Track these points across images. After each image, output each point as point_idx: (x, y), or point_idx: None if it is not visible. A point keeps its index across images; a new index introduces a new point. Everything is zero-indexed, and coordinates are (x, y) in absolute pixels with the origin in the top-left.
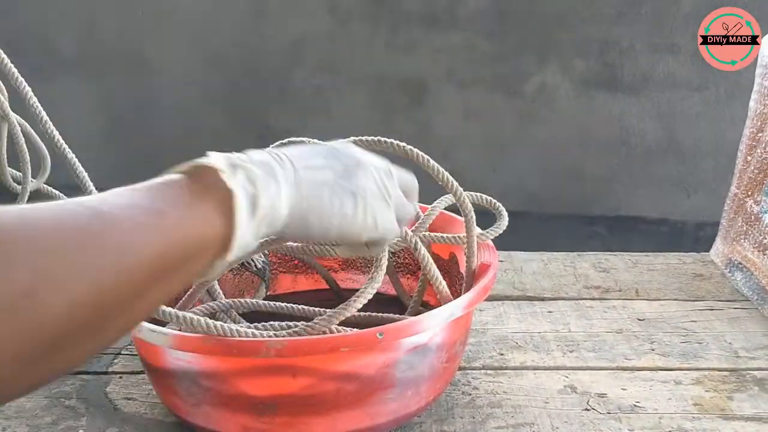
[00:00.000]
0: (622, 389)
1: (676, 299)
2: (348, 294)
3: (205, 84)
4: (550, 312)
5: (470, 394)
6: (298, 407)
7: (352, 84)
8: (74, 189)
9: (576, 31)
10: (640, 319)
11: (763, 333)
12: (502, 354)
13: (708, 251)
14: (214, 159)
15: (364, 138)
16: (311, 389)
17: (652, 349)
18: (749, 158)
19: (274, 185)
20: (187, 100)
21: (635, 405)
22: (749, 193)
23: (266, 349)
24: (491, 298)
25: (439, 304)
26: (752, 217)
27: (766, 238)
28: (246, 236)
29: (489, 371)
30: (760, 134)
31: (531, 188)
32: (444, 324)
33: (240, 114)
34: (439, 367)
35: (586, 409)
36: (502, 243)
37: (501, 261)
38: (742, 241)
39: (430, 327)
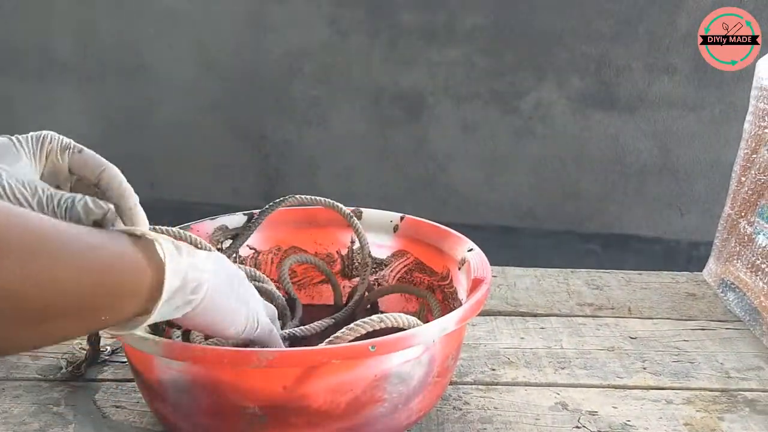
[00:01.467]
0: (613, 407)
1: (668, 318)
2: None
3: (203, 93)
4: (542, 328)
5: (461, 410)
6: (288, 418)
7: (350, 96)
8: None
9: (573, 49)
10: (632, 338)
11: (755, 354)
12: (493, 369)
13: (701, 271)
14: (159, 236)
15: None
16: (302, 401)
17: (644, 368)
18: (743, 179)
19: (197, 276)
20: (185, 108)
21: (626, 424)
22: (743, 213)
23: (258, 359)
24: (484, 313)
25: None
26: (745, 237)
27: (758, 259)
28: (167, 302)
29: (480, 387)
30: (754, 156)
31: (526, 204)
32: (436, 338)
33: (237, 123)
34: (431, 382)
35: (577, 427)
36: (496, 258)
37: (494, 276)
38: (735, 261)
39: (423, 341)
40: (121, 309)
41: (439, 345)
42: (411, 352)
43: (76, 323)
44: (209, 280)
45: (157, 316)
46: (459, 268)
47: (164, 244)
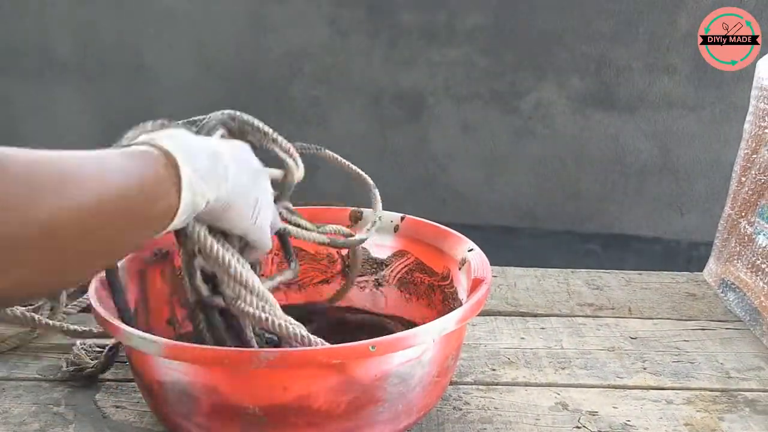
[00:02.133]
0: (614, 407)
1: (668, 318)
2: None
3: (203, 93)
4: (542, 328)
5: (461, 410)
6: (288, 419)
7: (350, 96)
8: None
9: (573, 49)
10: (632, 338)
11: (755, 354)
12: (494, 370)
13: (701, 271)
14: (171, 145)
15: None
16: (302, 401)
17: (644, 368)
18: (743, 179)
19: (215, 178)
20: (185, 108)
21: (626, 424)
22: (743, 214)
23: (258, 360)
24: (484, 314)
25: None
26: (746, 238)
27: (759, 260)
28: (189, 194)
29: (480, 387)
30: (754, 156)
31: (526, 204)
32: (437, 338)
33: None
34: (430, 382)
35: (577, 427)
36: (496, 258)
37: (495, 276)
38: (736, 261)
39: (423, 341)
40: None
41: (439, 345)
42: (411, 352)
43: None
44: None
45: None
46: (459, 268)
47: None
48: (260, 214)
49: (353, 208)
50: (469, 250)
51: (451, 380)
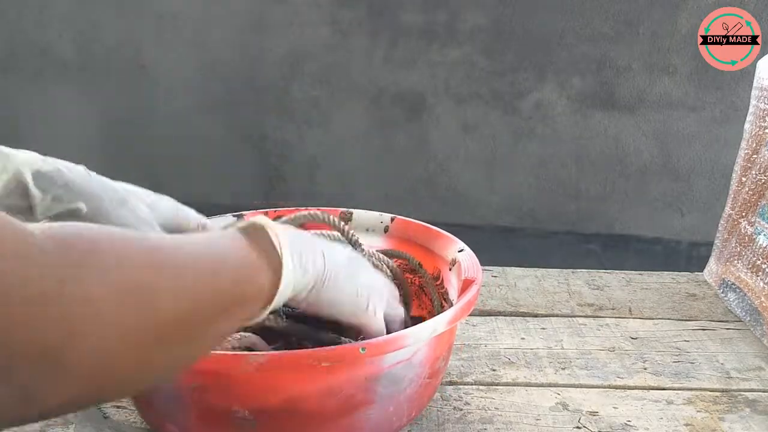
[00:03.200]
0: (614, 408)
1: (669, 318)
2: None
3: (204, 93)
4: (543, 328)
5: (461, 410)
6: (278, 422)
7: (350, 97)
8: None
9: (574, 49)
10: (632, 338)
11: (756, 354)
12: (494, 370)
13: (701, 271)
14: (271, 223)
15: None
16: (292, 404)
17: (645, 368)
18: (744, 179)
19: (312, 259)
20: (185, 108)
21: (626, 424)
22: (743, 214)
23: (246, 362)
24: (485, 314)
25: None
26: (746, 238)
27: (759, 260)
28: (286, 291)
29: (481, 387)
30: (755, 156)
31: (526, 205)
32: (427, 339)
33: (237, 124)
34: (421, 383)
35: (578, 427)
36: (497, 258)
37: (495, 276)
38: (736, 262)
39: (414, 342)
40: (242, 309)
41: (430, 346)
42: (401, 354)
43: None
44: (326, 268)
45: (276, 304)
46: (450, 269)
47: (281, 237)
48: (369, 301)
49: (343, 209)
50: (459, 251)
51: (451, 380)
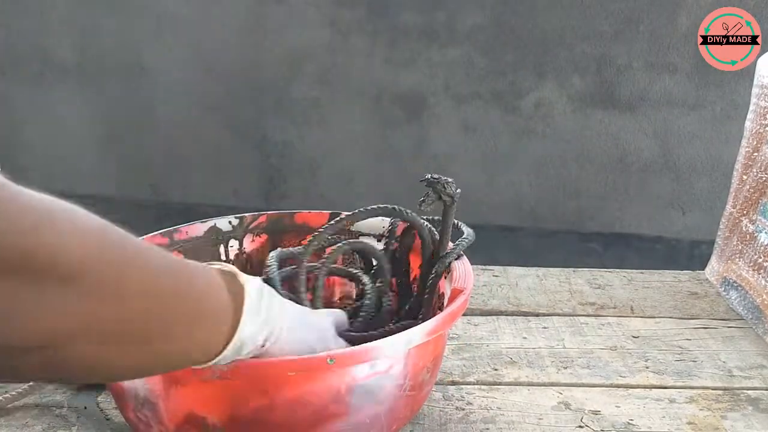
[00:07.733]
0: (616, 407)
1: (671, 317)
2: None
3: (204, 94)
4: (545, 328)
5: (464, 410)
6: (249, 431)
7: (350, 97)
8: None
9: (574, 48)
10: (634, 337)
11: (758, 352)
12: (496, 369)
13: (702, 269)
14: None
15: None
16: (262, 413)
17: (647, 367)
18: (745, 177)
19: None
20: (185, 109)
21: (629, 423)
22: (745, 212)
23: (210, 371)
24: (486, 313)
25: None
26: (747, 236)
27: (761, 258)
28: (244, 333)
29: (483, 387)
30: (755, 154)
31: (527, 204)
32: (403, 351)
33: (237, 124)
34: (402, 396)
35: (580, 426)
36: (498, 258)
37: (496, 276)
38: (737, 260)
39: (385, 354)
40: (196, 340)
41: (410, 358)
42: (377, 365)
43: (151, 351)
44: (282, 328)
45: (228, 355)
46: (445, 277)
47: (251, 290)
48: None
49: (332, 212)
50: (456, 258)
51: (453, 380)
